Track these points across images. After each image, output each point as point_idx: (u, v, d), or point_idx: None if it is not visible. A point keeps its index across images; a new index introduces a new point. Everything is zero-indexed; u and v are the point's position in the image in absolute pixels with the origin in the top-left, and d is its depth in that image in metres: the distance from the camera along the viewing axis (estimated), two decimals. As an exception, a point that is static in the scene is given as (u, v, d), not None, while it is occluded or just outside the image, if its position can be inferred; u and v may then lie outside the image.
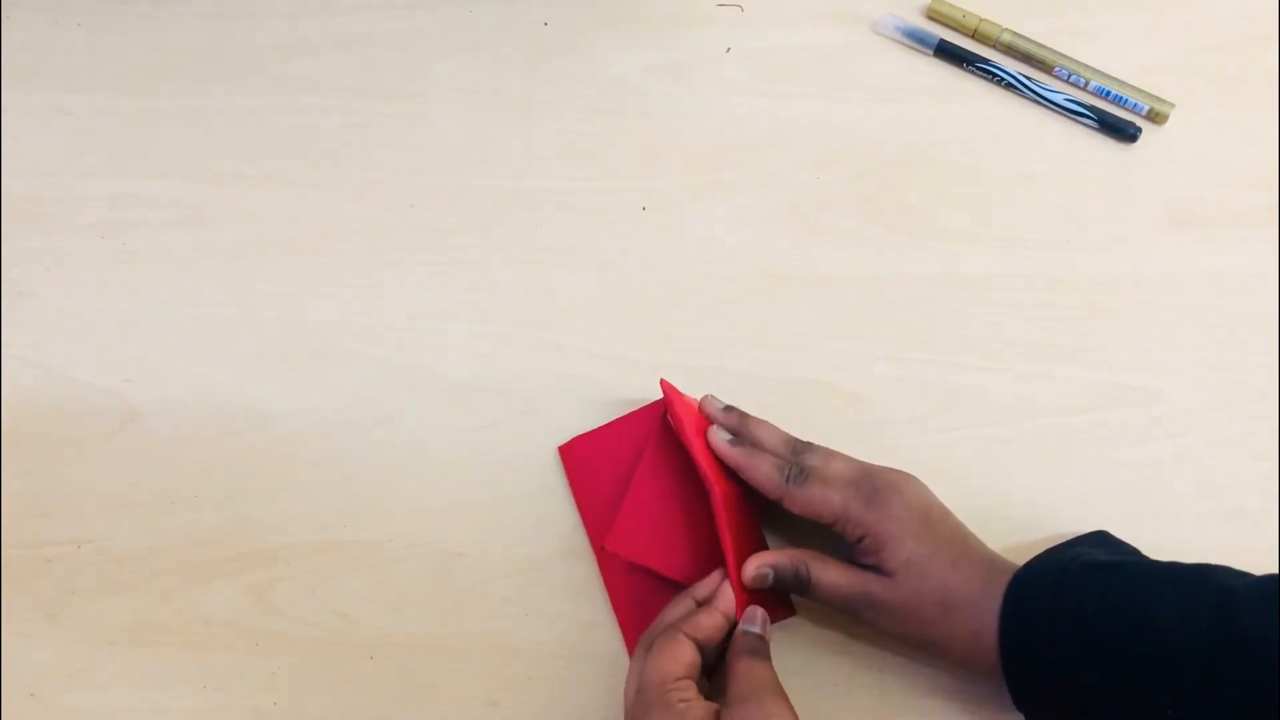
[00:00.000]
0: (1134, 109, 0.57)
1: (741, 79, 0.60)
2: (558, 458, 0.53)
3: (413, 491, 0.53)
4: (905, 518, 0.44)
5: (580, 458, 0.52)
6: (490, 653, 0.50)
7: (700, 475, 0.47)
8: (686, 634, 0.44)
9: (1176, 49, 0.59)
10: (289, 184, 0.59)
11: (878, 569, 0.44)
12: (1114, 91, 0.57)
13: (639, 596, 0.50)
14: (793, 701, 0.47)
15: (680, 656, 0.43)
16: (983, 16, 0.59)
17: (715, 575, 0.47)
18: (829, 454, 0.48)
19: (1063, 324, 0.54)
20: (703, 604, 0.46)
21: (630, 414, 0.52)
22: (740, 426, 0.49)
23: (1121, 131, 0.57)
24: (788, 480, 0.46)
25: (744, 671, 0.44)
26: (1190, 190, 0.56)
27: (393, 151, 0.59)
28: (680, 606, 0.46)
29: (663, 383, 0.50)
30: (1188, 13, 0.59)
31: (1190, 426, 0.52)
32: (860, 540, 0.45)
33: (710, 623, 0.45)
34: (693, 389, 0.53)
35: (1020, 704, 0.44)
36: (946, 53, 0.59)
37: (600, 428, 0.52)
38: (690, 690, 0.43)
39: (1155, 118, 0.57)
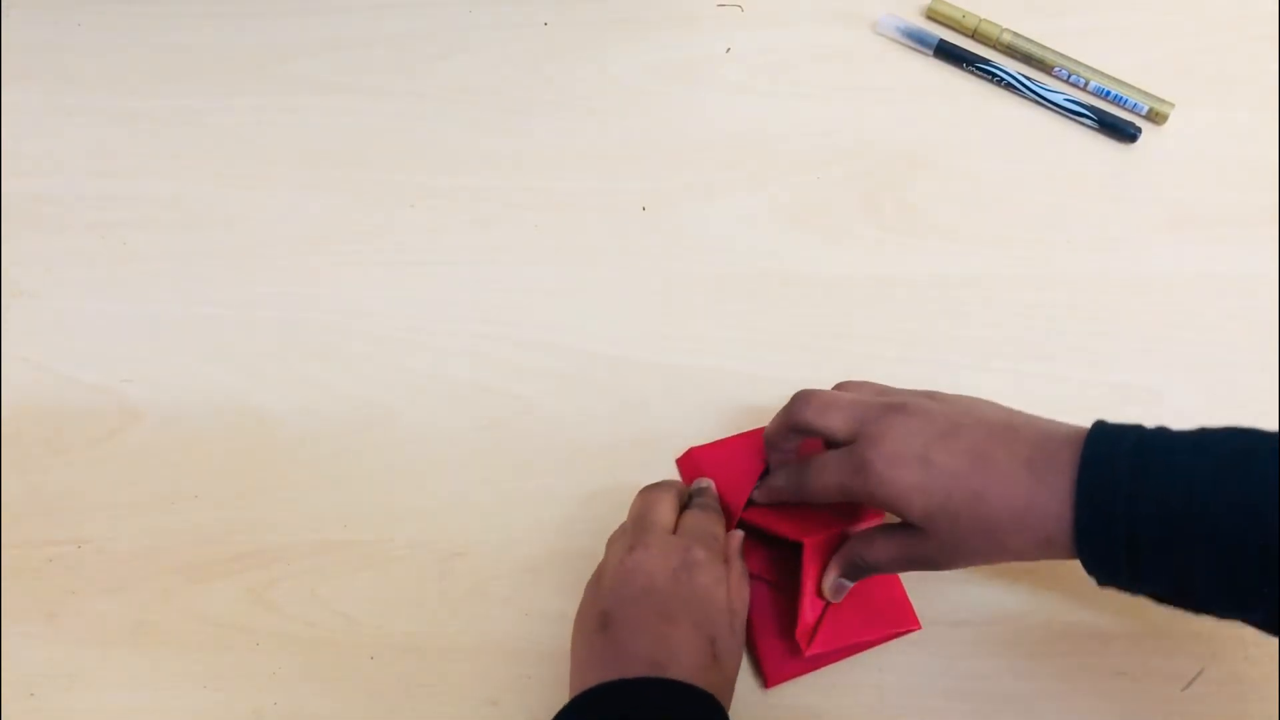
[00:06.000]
0: (1134, 109, 0.57)
1: (741, 79, 0.60)
2: (557, 458, 0.53)
3: (413, 491, 0.53)
4: (897, 477, 0.40)
5: (697, 467, 0.52)
6: (490, 653, 0.50)
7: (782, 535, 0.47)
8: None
9: (1176, 49, 0.59)
10: (289, 184, 0.59)
11: (910, 527, 0.42)
12: (1114, 91, 0.57)
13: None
14: (792, 701, 0.47)
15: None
16: (982, 17, 0.59)
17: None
18: (822, 406, 0.45)
19: (1063, 324, 0.54)
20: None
21: (750, 431, 0.52)
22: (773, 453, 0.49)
23: (1121, 131, 0.57)
24: (790, 479, 0.46)
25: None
26: (1190, 190, 0.56)
27: (393, 152, 0.59)
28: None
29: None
30: (1188, 13, 0.59)
31: (1190, 426, 0.52)
32: (876, 507, 0.44)
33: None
34: (692, 389, 0.53)
35: (1106, 584, 0.40)
36: (946, 53, 0.59)
37: (718, 441, 0.52)
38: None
39: (1155, 118, 0.57)
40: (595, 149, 0.59)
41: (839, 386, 0.48)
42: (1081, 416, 0.53)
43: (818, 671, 0.48)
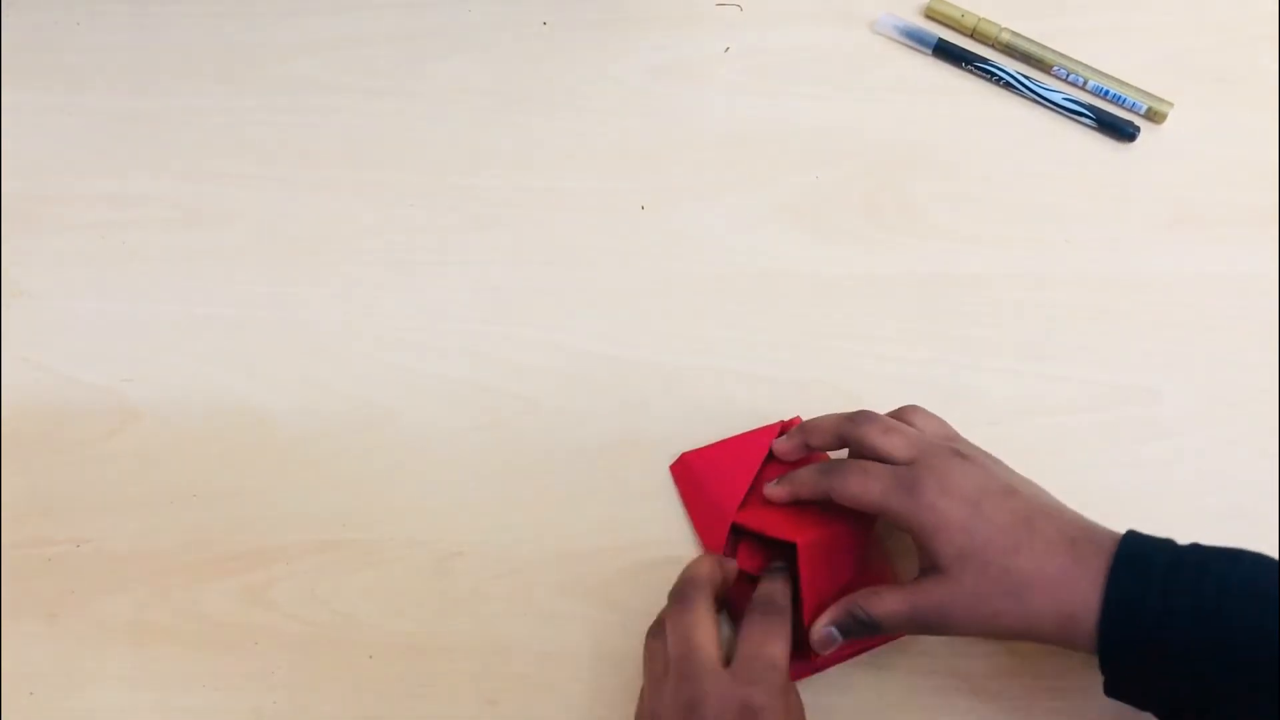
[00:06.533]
0: (1132, 108, 0.57)
1: (741, 79, 0.60)
2: (557, 458, 0.53)
3: (413, 491, 0.53)
4: (946, 508, 0.41)
5: (690, 473, 0.52)
6: (490, 653, 0.50)
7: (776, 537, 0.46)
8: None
9: (1176, 49, 0.59)
10: (289, 184, 0.59)
11: (935, 568, 0.41)
12: (1112, 91, 0.57)
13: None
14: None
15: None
16: (981, 16, 0.59)
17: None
18: (886, 428, 0.45)
19: (1063, 324, 0.54)
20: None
21: (744, 434, 0.52)
22: (798, 446, 0.49)
23: (1120, 131, 0.57)
24: (823, 474, 0.45)
25: None
26: (1189, 189, 0.56)
27: (393, 151, 0.59)
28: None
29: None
30: (1187, 13, 0.59)
31: (1190, 426, 0.52)
32: (910, 534, 0.43)
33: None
34: (692, 389, 0.53)
35: (1117, 693, 0.41)
36: (945, 52, 0.59)
37: (711, 445, 0.52)
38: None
39: (1154, 117, 0.57)
40: (595, 149, 0.59)
41: (903, 410, 0.48)
42: (1081, 417, 0.53)
43: (818, 671, 0.48)
